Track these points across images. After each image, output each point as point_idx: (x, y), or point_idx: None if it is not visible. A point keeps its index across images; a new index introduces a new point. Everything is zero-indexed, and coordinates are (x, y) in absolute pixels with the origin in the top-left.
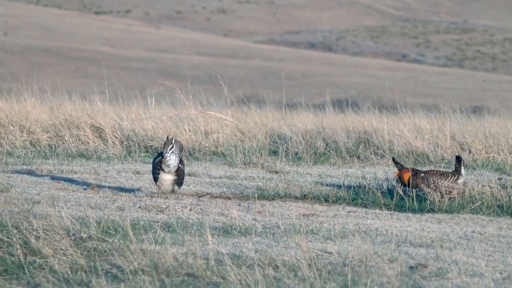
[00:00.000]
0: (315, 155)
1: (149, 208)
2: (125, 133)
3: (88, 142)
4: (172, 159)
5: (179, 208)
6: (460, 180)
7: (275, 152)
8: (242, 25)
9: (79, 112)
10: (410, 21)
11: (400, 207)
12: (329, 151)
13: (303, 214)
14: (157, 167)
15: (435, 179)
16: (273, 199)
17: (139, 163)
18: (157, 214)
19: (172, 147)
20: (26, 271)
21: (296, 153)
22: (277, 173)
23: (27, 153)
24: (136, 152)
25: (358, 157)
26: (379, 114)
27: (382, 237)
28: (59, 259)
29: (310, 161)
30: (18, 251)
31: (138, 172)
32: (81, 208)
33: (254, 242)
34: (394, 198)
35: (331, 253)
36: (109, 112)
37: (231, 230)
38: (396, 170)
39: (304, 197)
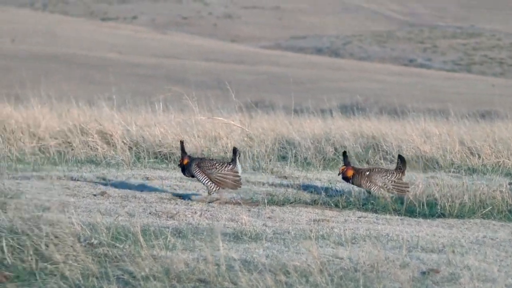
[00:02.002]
0: (324, 160)
1: (159, 214)
2: (134, 139)
3: (97, 148)
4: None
5: (189, 214)
6: (403, 178)
7: (284, 158)
8: (249, 31)
9: (87, 118)
10: (416, 26)
11: (411, 213)
12: (338, 156)
13: (314, 220)
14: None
15: (379, 176)
16: (283, 204)
17: (148, 169)
18: (168, 220)
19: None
20: (38, 278)
21: (305, 159)
22: (286, 178)
23: (36, 159)
24: (145, 158)
25: (367, 162)
26: (387, 119)
27: (393, 242)
28: (70, 265)
29: (319, 166)
30: (29, 258)
31: (147, 178)
32: (91, 214)
33: (265, 248)
34: (405, 204)
35: (342, 258)
36: (117, 118)
37: (241, 236)
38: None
39: (314, 203)
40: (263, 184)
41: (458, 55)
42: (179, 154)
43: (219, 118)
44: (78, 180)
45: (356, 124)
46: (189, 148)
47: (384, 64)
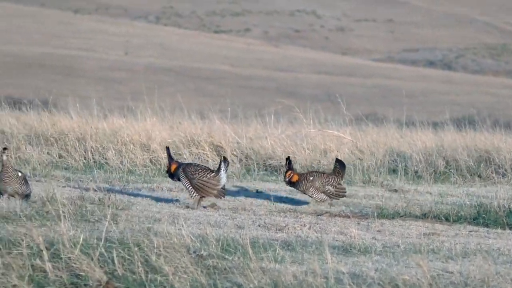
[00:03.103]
0: (435, 173)
1: (268, 227)
2: (244, 152)
3: (207, 161)
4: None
5: (298, 227)
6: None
7: (394, 171)
8: (361, 44)
9: (199, 130)
10: None
11: None
12: (449, 169)
13: (424, 233)
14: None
15: (322, 181)
16: (392, 218)
17: (258, 181)
18: (276, 233)
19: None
20: None
21: (416, 172)
22: (396, 191)
23: (147, 171)
24: (254, 170)
25: (479, 176)
26: (501, 132)
27: (504, 257)
28: (179, 277)
29: (430, 180)
30: (140, 269)
31: (257, 190)
32: (201, 226)
33: (374, 261)
34: None
35: (452, 272)
36: (228, 131)
37: (350, 249)
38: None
39: (424, 216)
40: (373, 197)
41: None
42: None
43: (330, 131)
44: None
45: (469, 137)
46: (298, 161)
47: (497, 78)
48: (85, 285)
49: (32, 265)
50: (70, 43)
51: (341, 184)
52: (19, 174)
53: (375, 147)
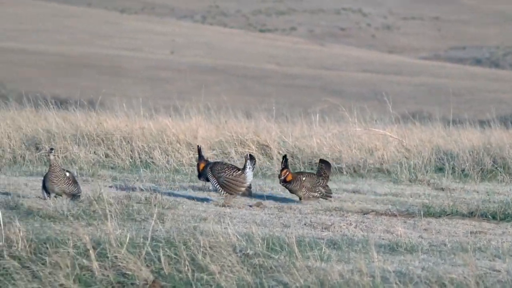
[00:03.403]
0: (482, 172)
1: (314, 225)
2: (290, 150)
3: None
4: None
5: (344, 225)
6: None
7: (440, 169)
8: (407, 42)
9: (245, 129)
10: None
11: None
12: (496, 168)
13: (470, 232)
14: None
15: (313, 182)
16: (439, 216)
17: None
18: (322, 231)
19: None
20: None
21: (463, 170)
22: (443, 190)
23: (193, 170)
24: (300, 169)
25: None
26: None
27: None
28: (226, 275)
29: (477, 178)
30: (186, 268)
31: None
32: (246, 225)
33: (421, 260)
34: None
35: (499, 271)
36: (274, 129)
37: (397, 248)
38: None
39: (471, 215)
40: (419, 195)
41: None
42: (335, 166)
43: (376, 129)
44: None
45: None
46: (344, 160)
47: None
48: (131, 284)
49: (79, 264)
50: (116, 42)
51: (327, 186)
52: (67, 174)
53: (421, 145)
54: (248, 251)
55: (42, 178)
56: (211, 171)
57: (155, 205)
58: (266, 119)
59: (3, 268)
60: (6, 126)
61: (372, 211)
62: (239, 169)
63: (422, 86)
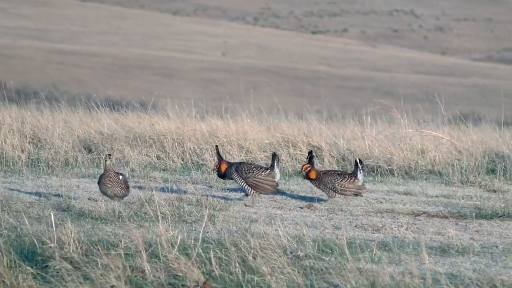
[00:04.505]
0: None
1: (365, 227)
2: (341, 152)
3: (304, 161)
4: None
5: (395, 227)
6: (358, 182)
7: (492, 171)
8: (460, 43)
9: (296, 131)
10: None
11: None
12: None
13: None
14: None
15: (332, 178)
16: (491, 218)
17: None
18: (373, 233)
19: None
20: None
21: None
22: (495, 192)
23: None
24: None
25: None
26: None
27: None
28: (276, 277)
29: None
30: (237, 269)
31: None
32: (297, 226)
33: (472, 262)
34: None
35: None
36: (325, 131)
37: (448, 250)
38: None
39: None
40: (471, 197)
41: None
42: (386, 168)
43: (427, 131)
44: (285, 193)
45: None
46: (395, 161)
47: None
48: (182, 285)
49: (130, 266)
50: (169, 44)
51: (353, 184)
52: (120, 177)
53: (473, 147)
54: (299, 253)
55: (96, 181)
56: (236, 172)
57: (206, 207)
58: (317, 120)
59: (55, 269)
60: (59, 128)
61: (424, 213)
62: (267, 168)
63: (474, 87)
